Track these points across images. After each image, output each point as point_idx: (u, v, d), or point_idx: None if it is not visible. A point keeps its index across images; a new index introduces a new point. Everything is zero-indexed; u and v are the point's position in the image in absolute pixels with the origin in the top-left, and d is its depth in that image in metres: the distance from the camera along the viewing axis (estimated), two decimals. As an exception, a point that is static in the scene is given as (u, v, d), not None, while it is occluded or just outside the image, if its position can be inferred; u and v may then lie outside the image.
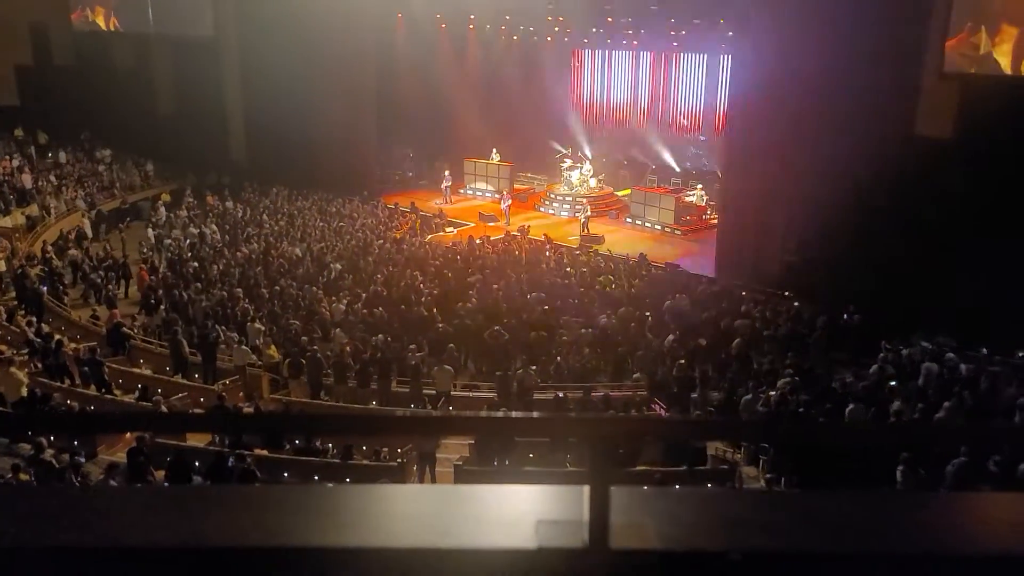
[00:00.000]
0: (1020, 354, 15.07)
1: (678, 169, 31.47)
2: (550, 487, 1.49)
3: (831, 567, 1.34)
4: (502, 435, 11.06)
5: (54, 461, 10.28)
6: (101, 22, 33.29)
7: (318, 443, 12.27)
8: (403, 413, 11.87)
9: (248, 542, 1.37)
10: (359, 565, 1.35)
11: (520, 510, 1.43)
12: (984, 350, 15.30)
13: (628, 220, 28.24)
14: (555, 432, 1.94)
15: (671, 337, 16.44)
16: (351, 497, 1.54)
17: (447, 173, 30.81)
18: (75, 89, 32.48)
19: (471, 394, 15.46)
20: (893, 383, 13.54)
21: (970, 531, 1.45)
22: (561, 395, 14.00)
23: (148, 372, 15.79)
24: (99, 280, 20.81)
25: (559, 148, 33.19)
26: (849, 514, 1.44)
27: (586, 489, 1.33)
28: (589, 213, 27.05)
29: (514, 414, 1.63)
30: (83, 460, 10.44)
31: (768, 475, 12.05)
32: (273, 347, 15.80)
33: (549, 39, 32.97)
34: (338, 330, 16.84)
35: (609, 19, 30.18)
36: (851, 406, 12.46)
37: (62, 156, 31.11)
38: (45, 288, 19.22)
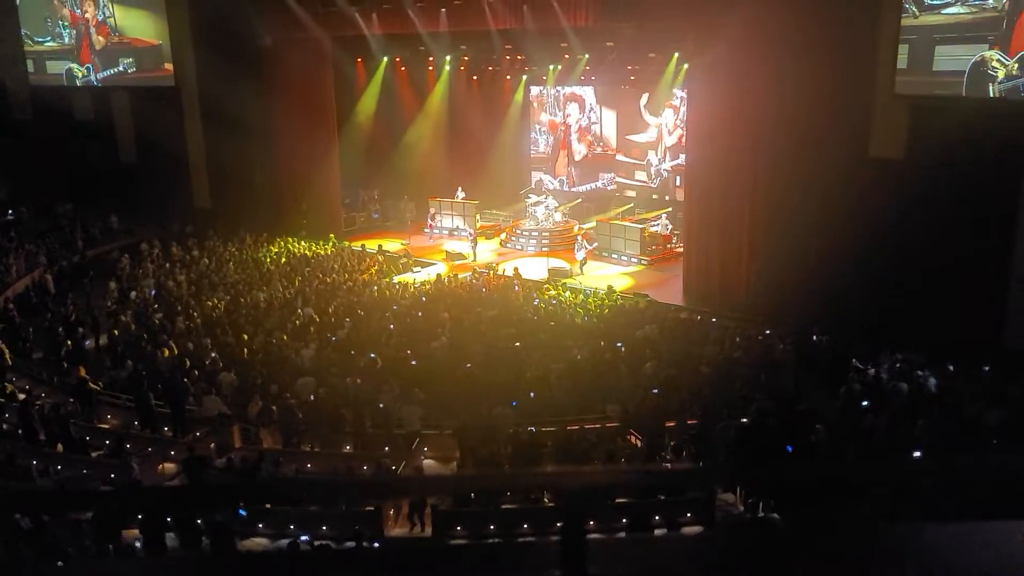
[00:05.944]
0: (985, 368, 15.26)
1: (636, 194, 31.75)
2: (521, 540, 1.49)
3: None
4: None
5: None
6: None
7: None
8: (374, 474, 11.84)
9: None
10: None
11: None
12: (950, 366, 15.47)
13: (594, 251, 28.35)
14: (529, 486, 1.94)
15: (649, 364, 16.44)
16: None
17: (432, 211, 31.42)
18: (34, 144, 32.13)
19: (443, 433, 15.26)
20: (865, 403, 13.66)
21: (964, 562, 1.46)
22: (533, 429, 13.88)
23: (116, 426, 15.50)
24: (60, 336, 20.32)
25: (523, 184, 33.37)
26: (828, 554, 1.45)
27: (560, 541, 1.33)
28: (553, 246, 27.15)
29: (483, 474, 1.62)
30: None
31: (747, 501, 12.08)
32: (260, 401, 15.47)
33: (509, 78, 33.28)
34: (309, 378, 16.61)
35: (566, 56, 30.47)
36: (820, 427, 12.56)
37: (23, 212, 30.68)
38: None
